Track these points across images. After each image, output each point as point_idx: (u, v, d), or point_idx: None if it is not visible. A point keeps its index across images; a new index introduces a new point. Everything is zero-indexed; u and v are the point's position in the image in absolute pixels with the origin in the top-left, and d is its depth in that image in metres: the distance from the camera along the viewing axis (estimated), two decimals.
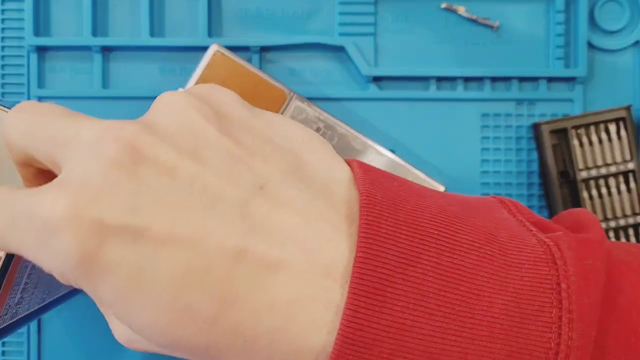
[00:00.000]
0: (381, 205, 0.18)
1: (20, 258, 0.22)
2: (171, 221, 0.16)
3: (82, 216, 0.16)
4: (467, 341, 0.17)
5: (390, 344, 0.16)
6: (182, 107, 0.18)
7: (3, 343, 0.36)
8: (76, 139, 0.17)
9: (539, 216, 0.21)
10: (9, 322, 0.24)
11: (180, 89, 0.34)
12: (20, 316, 0.25)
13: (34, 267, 0.24)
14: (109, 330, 0.21)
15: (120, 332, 0.19)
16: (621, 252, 0.21)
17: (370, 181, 0.18)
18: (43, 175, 0.20)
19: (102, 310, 0.19)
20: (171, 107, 0.18)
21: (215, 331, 0.17)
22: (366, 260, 0.17)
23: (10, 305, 0.23)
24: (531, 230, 0.19)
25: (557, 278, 0.18)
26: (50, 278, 0.25)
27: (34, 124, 0.18)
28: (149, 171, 0.17)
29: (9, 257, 0.21)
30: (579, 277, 0.18)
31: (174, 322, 0.17)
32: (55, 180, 0.17)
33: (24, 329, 0.36)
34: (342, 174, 0.19)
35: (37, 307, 0.26)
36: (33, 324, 0.36)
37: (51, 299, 0.28)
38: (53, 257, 0.16)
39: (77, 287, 0.17)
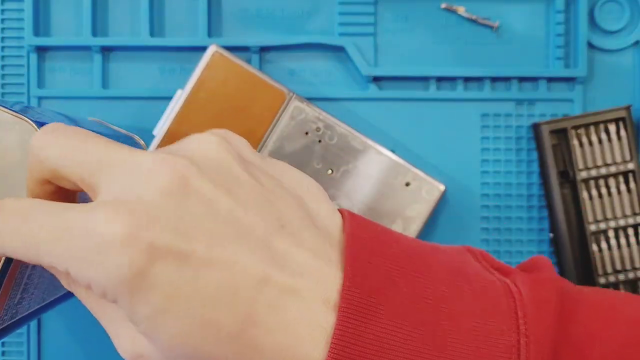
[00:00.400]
0: (364, 243, 0.21)
1: None
2: (209, 247, 0.19)
3: (138, 237, 0.18)
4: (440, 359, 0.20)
5: None
6: (215, 147, 0.21)
7: (3, 343, 0.36)
8: (124, 165, 0.19)
9: (500, 262, 0.24)
10: (8, 322, 0.24)
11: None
12: (20, 316, 0.24)
13: (34, 267, 0.24)
14: None
15: (127, 347, 0.20)
16: (579, 291, 0.24)
17: (355, 225, 0.22)
18: (58, 194, 0.21)
19: (106, 325, 0.21)
20: (205, 146, 0.21)
21: (234, 344, 0.19)
22: (350, 290, 0.19)
23: (10, 306, 0.23)
24: (492, 273, 0.23)
25: (514, 308, 0.21)
26: (50, 278, 0.25)
27: (74, 146, 0.20)
28: (193, 201, 0.19)
29: (10, 257, 0.21)
30: (533, 306, 0.21)
31: (199, 334, 0.18)
32: (102, 201, 0.19)
33: (23, 329, 0.36)
34: (336, 218, 0.22)
35: (37, 307, 0.26)
36: (33, 324, 0.36)
37: (51, 299, 0.27)
38: (103, 272, 0.18)
39: (110, 300, 0.19)
